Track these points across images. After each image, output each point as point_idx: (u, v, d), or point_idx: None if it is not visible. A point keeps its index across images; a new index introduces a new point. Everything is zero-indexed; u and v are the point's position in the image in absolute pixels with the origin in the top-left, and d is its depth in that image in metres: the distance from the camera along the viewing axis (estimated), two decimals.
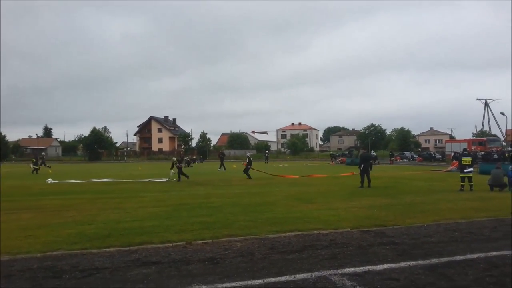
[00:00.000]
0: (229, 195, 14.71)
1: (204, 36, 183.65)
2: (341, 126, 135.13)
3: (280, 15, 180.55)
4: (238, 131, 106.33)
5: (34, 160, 32.63)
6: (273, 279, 4.89)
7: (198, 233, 7.67)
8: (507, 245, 6.60)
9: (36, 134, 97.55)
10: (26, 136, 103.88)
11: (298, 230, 7.83)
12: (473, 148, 45.50)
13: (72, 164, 58.30)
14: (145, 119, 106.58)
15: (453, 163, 32.17)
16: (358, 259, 5.79)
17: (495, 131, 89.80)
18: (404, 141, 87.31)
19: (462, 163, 16.35)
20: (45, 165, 33.60)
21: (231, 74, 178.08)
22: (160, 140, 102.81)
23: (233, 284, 4.74)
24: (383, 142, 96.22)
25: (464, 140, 55.74)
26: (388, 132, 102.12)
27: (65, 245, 6.72)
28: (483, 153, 32.81)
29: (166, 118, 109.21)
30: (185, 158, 46.63)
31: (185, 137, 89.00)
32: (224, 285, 4.71)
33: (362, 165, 17.57)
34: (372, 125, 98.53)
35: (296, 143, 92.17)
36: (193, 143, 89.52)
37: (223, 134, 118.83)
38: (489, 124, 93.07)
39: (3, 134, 79.63)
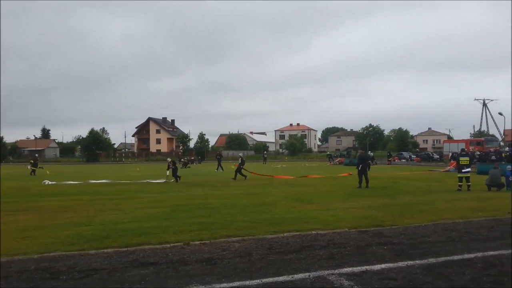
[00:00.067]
0: (227, 196, 14.71)
1: (203, 36, 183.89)
2: (339, 126, 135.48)
3: (279, 15, 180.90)
4: (237, 132, 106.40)
5: (32, 161, 32.61)
6: (271, 279, 4.89)
7: (196, 234, 7.66)
8: (505, 244, 6.61)
9: (34, 136, 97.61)
10: (24, 138, 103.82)
11: (296, 231, 7.83)
12: (471, 148, 45.60)
13: (70, 166, 58.20)
14: (143, 120, 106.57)
15: (451, 163, 32.24)
16: (356, 259, 5.80)
17: (493, 131, 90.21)
18: (402, 141, 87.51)
19: (460, 163, 16.39)
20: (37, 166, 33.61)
21: (230, 75, 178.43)
22: (158, 141, 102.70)
23: (231, 284, 4.74)
24: (381, 142, 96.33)
25: (462, 141, 55.93)
26: (386, 132, 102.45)
27: (62, 246, 6.71)
28: (479, 153, 32.85)
29: (164, 119, 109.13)
30: (182, 159, 46.68)
31: (184, 138, 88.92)
32: (222, 285, 4.71)
33: (360, 166, 17.60)
34: (371, 125, 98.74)
35: (294, 144, 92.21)
36: (192, 144, 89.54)
37: (221, 135, 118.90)
38: (487, 124, 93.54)
39: (1, 135, 79.60)
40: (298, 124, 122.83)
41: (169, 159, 24.68)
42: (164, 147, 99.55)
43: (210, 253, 6.20)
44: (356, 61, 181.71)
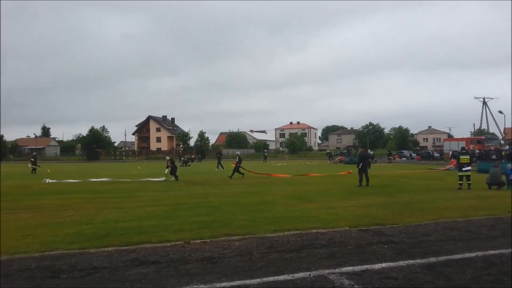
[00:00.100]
0: (228, 194, 14.71)
1: (203, 36, 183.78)
2: (339, 125, 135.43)
3: (279, 14, 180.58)
4: (237, 130, 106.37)
5: (32, 159, 32.65)
6: (271, 278, 4.89)
7: (196, 232, 7.67)
8: (505, 243, 6.61)
9: (34, 134, 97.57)
10: (24, 136, 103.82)
11: (297, 229, 7.83)
12: (471, 146, 45.59)
13: (71, 164, 58.21)
14: (143, 119, 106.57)
15: (451, 161, 32.25)
16: (357, 258, 5.80)
17: (493, 129, 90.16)
18: (402, 139, 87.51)
19: (460, 161, 16.39)
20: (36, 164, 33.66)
21: (230, 74, 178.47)
22: (158, 140, 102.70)
23: (231, 283, 4.74)
24: (382, 141, 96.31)
25: (462, 139, 55.88)
26: (386, 131, 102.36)
27: (63, 245, 6.71)
28: (478, 151, 32.84)
29: (164, 117, 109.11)
30: (182, 158, 46.67)
31: (184, 137, 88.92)
32: (223, 284, 4.71)
33: (361, 164, 17.59)
34: (371, 124, 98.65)
35: (294, 142, 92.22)
36: (192, 143, 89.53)
37: (221, 133, 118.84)
38: (487, 122, 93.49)
39: (1, 133, 79.63)
40: (298, 123, 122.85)
41: (167, 158, 24.67)
42: (164, 146, 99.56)
43: (211, 252, 6.20)
44: (356, 60, 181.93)
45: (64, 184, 20.22)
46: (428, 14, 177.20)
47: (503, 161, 23.99)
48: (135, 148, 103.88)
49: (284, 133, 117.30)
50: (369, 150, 57.68)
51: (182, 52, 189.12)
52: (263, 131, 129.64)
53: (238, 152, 27.87)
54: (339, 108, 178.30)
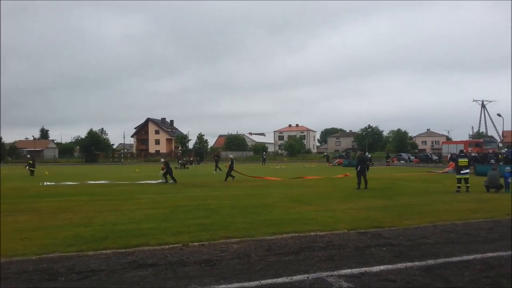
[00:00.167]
0: (226, 197, 14.70)
1: (202, 36, 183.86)
2: (338, 127, 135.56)
3: (279, 15, 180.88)
4: (236, 133, 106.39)
5: (31, 162, 32.59)
6: (269, 281, 4.88)
7: (195, 235, 7.66)
8: (504, 246, 6.62)
9: (33, 136, 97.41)
10: (22, 138, 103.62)
11: (295, 232, 7.83)
12: (469, 149, 45.67)
13: (69, 166, 58.12)
14: (142, 121, 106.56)
15: (449, 164, 32.29)
16: (355, 260, 5.80)
17: (491, 132, 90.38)
18: (401, 142, 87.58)
19: (459, 164, 16.41)
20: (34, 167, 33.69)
21: (229, 75, 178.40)
22: (157, 142, 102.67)
23: (229, 286, 4.73)
24: (380, 143, 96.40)
25: (461, 142, 56.01)
26: (385, 133, 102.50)
27: (61, 247, 6.69)
28: (473, 154, 32.91)
29: (163, 119, 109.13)
30: (180, 160, 46.62)
31: (182, 139, 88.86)
32: (221, 287, 4.70)
33: (359, 167, 17.61)
34: (369, 126, 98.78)
35: (293, 145, 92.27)
36: (190, 145, 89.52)
37: (220, 136, 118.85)
38: (485, 125, 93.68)
39: (0, 135, 79.56)
40: (297, 125, 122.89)
41: (162, 160, 24.67)
42: (163, 148, 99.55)
43: (209, 254, 6.19)
44: (355, 61, 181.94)
45: (62, 187, 20.19)
46: (428, 15, 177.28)
47: (501, 163, 24.03)
48: (134, 150, 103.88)
49: (283, 136, 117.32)
50: (367, 152, 57.81)
51: (181, 53, 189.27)
52: (262, 134, 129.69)
53: (231, 156, 27.90)
54: (338, 110, 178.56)
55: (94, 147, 79.75)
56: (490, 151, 38.87)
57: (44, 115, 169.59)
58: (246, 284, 4.79)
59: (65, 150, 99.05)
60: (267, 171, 35.52)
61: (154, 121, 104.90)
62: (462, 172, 16.10)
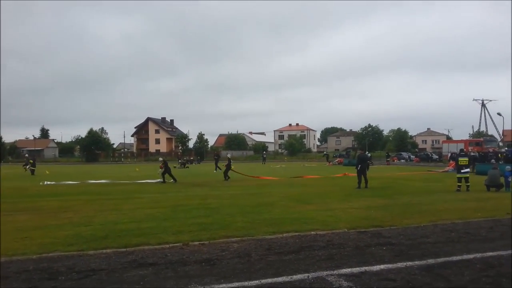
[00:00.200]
0: (227, 196, 14.70)
1: (202, 36, 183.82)
2: (338, 127, 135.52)
3: (278, 15, 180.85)
4: (236, 132, 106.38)
5: (31, 161, 32.61)
6: (269, 280, 4.88)
7: (195, 234, 7.66)
8: (504, 245, 6.62)
9: (33, 136, 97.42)
10: (23, 138, 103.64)
11: (295, 231, 7.83)
12: (469, 148, 45.66)
13: (69, 166, 58.12)
14: (142, 120, 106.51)
15: (450, 163, 32.28)
16: (355, 259, 5.80)
17: (492, 131, 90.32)
18: (401, 141, 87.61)
19: (459, 163, 16.41)
20: (27, 166, 33.85)
21: (229, 75, 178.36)
22: (157, 141, 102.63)
23: (229, 285, 4.73)
24: (381, 143, 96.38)
25: (461, 141, 55.98)
26: (385, 133, 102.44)
27: (61, 247, 6.70)
28: (472, 154, 32.89)
29: (163, 119, 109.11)
30: (180, 160, 46.61)
31: (183, 138, 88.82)
32: (221, 286, 4.71)
33: (359, 166, 17.61)
34: (370, 125, 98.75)
35: (293, 144, 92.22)
36: (191, 144, 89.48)
37: (220, 135, 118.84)
38: (486, 124, 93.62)
39: (0, 135, 79.56)
40: (297, 124, 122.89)
41: (160, 159, 24.66)
42: (163, 147, 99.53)
43: (209, 254, 6.19)
44: (355, 61, 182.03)
45: (62, 186, 20.20)
46: (427, 15, 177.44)
47: (500, 162, 24.03)
48: (134, 149, 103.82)
49: (283, 135, 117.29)
50: (367, 152, 57.81)
51: (181, 53, 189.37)
52: (262, 133, 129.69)
53: (228, 155, 27.89)
54: (338, 109, 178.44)
55: (94, 146, 79.70)
56: (491, 150, 38.89)
57: (44, 114, 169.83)
58: (246, 283, 4.79)
59: (65, 149, 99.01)
60: (267, 170, 35.52)
61: (154, 121, 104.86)
62: (462, 171, 16.11)
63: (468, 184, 15.93)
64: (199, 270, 5.37)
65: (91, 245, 6.79)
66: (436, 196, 14.07)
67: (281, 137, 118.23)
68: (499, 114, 62.63)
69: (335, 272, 5.20)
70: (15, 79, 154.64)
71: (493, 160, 27.11)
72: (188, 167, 43.11)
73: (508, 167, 16.22)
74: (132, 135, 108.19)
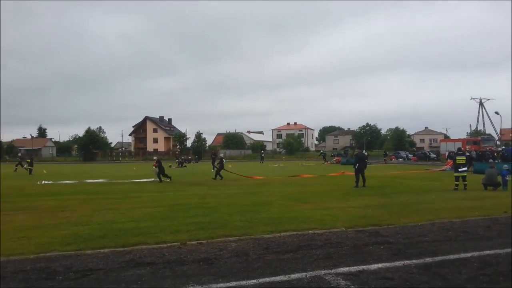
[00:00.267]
0: (225, 195, 14.70)
1: (201, 36, 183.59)
2: (336, 125, 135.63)
3: (277, 14, 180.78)
4: (234, 131, 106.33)
5: (29, 160, 32.53)
6: (267, 279, 4.89)
7: (193, 233, 7.65)
8: (501, 244, 6.64)
9: (31, 135, 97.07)
10: (20, 137, 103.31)
11: (293, 230, 7.83)
12: (467, 147, 45.76)
13: (67, 165, 57.97)
14: (140, 119, 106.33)
15: (447, 162, 32.35)
16: (353, 258, 5.81)
17: (489, 130, 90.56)
18: (399, 140, 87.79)
19: (457, 162, 16.46)
20: (22, 166, 33.80)
21: (227, 74, 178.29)
22: (155, 140, 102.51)
23: (227, 284, 4.73)
24: (378, 141, 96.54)
25: (459, 140, 56.08)
26: (383, 131, 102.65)
27: (59, 246, 6.68)
28: (467, 153, 33.04)
29: (161, 118, 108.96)
30: (177, 159, 46.59)
31: (181, 137, 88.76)
32: (219, 285, 4.70)
33: (357, 165, 17.62)
34: (368, 124, 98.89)
35: (291, 143, 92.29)
36: (189, 143, 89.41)
37: (218, 134, 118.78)
38: (483, 123, 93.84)
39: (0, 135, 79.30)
40: (295, 123, 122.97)
41: (155, 158, 24.62)
42: (161, 146, 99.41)
43: (207, 253, 6.19)
44: (354, 61, 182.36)
45: (60, 185, 20.14)
46: (426, 14, 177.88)
47: (496, 161, 24.09)
48: (132, 149, 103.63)
49: (281, 134, 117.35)
50: (363, 150, 57.82)
51: (180, 52, 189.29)
52: (260, 132, 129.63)
53: (221, 154, 27.92)
54: (336, 108, 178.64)
55: (92, 145, 79.44)
56: (488, 149, 39.01)
57: (41, 113, 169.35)
58: (244, 282, 4.79)
59: (63, 148, 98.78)
60: (265, 169, 35.51)
61: (152, 120, 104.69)
62: (460, 170, 16.14)
63: (466, 183, 15.98)
64: (197, 269, 5.37)
65: (89, 245, 6.77)
66: (433, 195, 14.09)
67: (279, 136, 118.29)
68: (496, 113, 62.78)
69: (333, 271, 5.20)
70: (14, 78, 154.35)
71: (490, 160, 27.23)
72: (186, 166, 43.08)
73: (505, 166, 16.30)
74: (130, 134, 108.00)
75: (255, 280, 4.85)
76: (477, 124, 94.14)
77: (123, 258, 5.96)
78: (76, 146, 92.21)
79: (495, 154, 29.85)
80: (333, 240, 7.01)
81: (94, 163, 67.25)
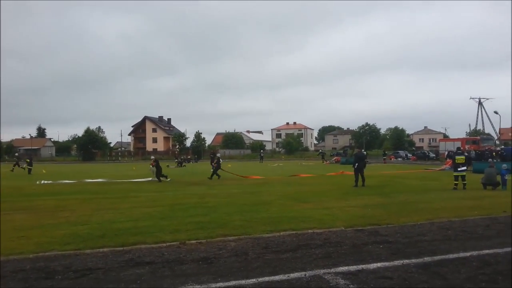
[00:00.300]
0: (224, 195, 14.69)
1: (200, 35, 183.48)
2: (336, 125, 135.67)
3: (277, 14, 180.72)
4: (233, 131, 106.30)
5: (28, 160, 32.50)
6: (267, 279, 4.89)
7: (192, 233, 7.65)
8: (500, 243, 6.64)
9: (30, 135, 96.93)
10: (19, 137, 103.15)
11: (293, 230, 7.84)
12: (466, 147, 45.81)
13: (66, 165, 57.90)
14: (139, 119, 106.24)
15: (447, 161, 32.37)
16: (352, 258, 5.81)
17: (488, 130, 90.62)
18: (398, 140, 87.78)
19: (456, 161, 16.46)
20: (19, 165, 33.74)
21: (227, 74, 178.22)
22: (154, 140, 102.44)
23: (227, 283, 4.73)
24: (378, 141, 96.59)
25: (458, 139, 56.11)
26: (382, 131, 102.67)
27: (58, 246, 6.68)
28: (466, 154, 33.11)
29: (160, 118, 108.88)
30: (176, 159, 46.56)
31: (180, 137, 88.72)
32: (218, 284, 4.70)
33: (357, 164, 17.62)
34: (367, 124, 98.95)
35: (291, 143, 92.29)
36: (188, 143, 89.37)
37: (218, 134, 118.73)
38: (482, 123, 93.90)
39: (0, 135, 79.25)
40: (294, 123, 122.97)
41: (152, 157, 24.61)
42: (160, 146, 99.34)
43: (206, 252, 6.19)
44: (354, 60, 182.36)
45: (59, 185, 20.12)
46: (426, 14, 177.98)
47: (495, 160, 24.12)
48: (131, 148, 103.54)
49: (281, 134, 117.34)
50: (363, 150, 57.81)
51: (179, 52, 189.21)
52: (260, 132, 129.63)
53: (218, 154, 27.91)
54: (336, 108, 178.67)
55: (91, 145, 79.39)
56: (487, 148, 39.05)
57: (41, 113, 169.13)
58: (243, 281, 4.79)
59: (62, 148, 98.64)
60: (264, 169, 35.51)
61: (151, 119, 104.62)
62: (459, 169, 16.15)
63: (465, 182, 15.99)
64: (196, 268, 5.37)
65: (88, 244, 6.77)
66: (433, 194, 14.10)
67: (278, 135, 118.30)
68: (496, 112, 62.76)
69: (332, 270, 5.21)
70: (14, 78, 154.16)
71: (490, 160, 27.25)
72: (185, 166, 43.05)
73: (504, 166, 16.30)
74: (129, 134, 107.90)
75: (254, 280, 4.85)
76: (476, 124, 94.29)
77: (122, 257, 5.96)
78: (75, 146, 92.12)
79: (493, 153, 29.89)
80: (332, 240, 7.01)
81: (93, 163, 67.21)
